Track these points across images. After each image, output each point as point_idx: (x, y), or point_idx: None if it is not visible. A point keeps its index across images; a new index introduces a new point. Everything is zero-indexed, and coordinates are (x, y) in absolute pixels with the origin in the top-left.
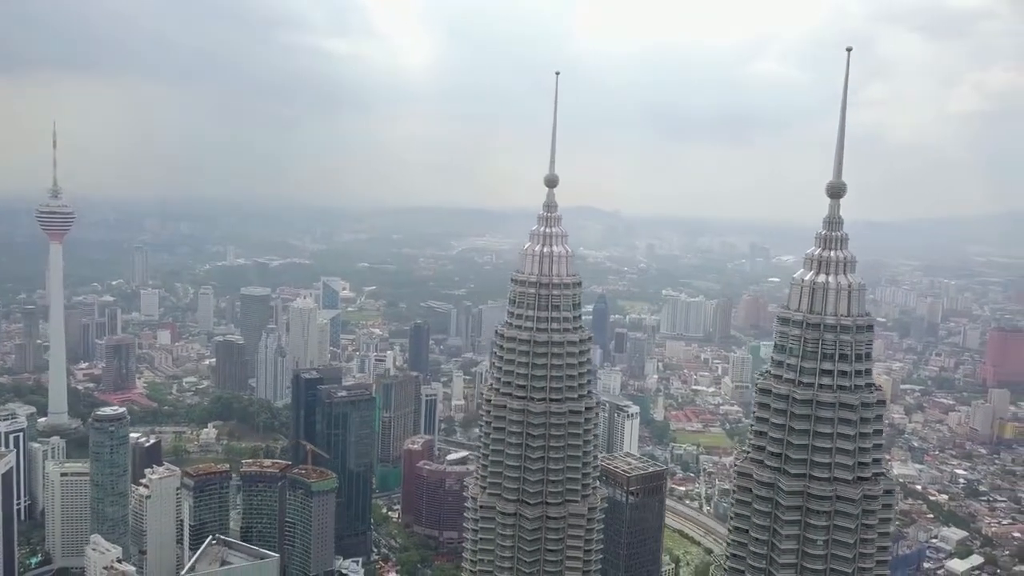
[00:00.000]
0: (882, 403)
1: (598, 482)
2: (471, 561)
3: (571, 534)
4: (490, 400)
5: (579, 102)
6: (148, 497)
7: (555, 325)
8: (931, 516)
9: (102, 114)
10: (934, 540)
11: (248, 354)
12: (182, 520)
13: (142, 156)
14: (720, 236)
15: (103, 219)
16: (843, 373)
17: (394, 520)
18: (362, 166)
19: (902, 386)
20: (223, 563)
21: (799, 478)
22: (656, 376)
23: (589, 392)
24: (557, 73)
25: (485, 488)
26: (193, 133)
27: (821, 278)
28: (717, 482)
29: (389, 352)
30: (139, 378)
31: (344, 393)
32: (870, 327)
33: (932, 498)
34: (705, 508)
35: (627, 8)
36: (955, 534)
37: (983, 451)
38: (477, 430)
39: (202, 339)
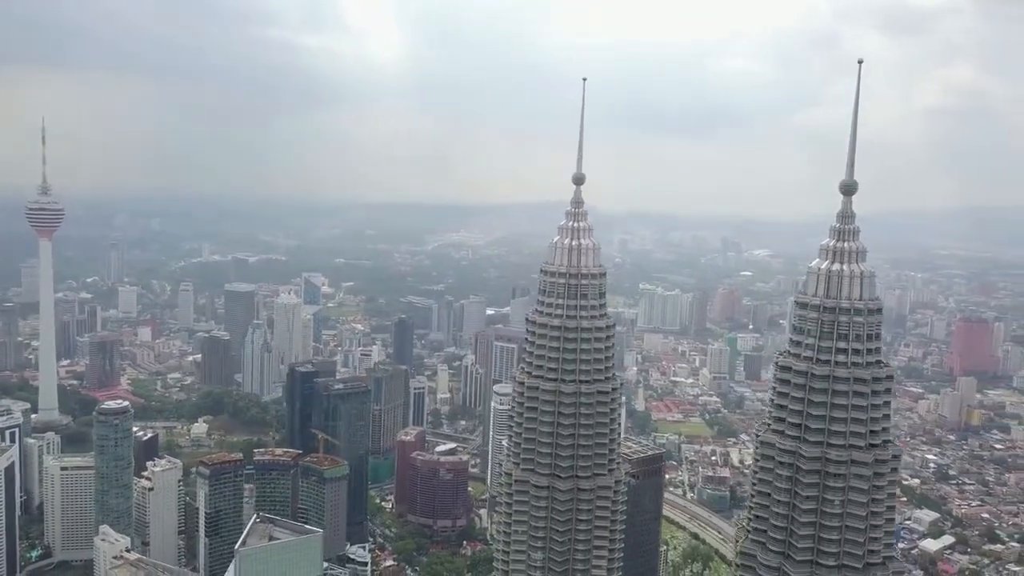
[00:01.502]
0: (891, 378)
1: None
2: (504, 533)
3: (599, 505)
4: (523, 383)
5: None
6: (151, 489)
7: (583, 312)
8: (904, 499)
9: (70, 109)
10: (908, 521)
11: (234, 350)
12: (197, 508)
13: (112, 152)
14: (691, 231)
15: (73, 216)
16: (856, 351)
17: (387, 510)
18: (335, 161)
19: None
20: (271, 538)
21: (817, 445)
22: (636, 368)
23: (614, 374)
24: (584, 79)
25: (519, 464)
26: (164, 128)
27: (836, 267)
28: (700, 470)
29: (374, 347)
30: (122, 375)
31: (341, 386)
32: (879, 310)
33: (905, 482)
34: (688, 495)
35: (599, 4)
36: (927, 515)
37: (952, 437)
38: (464, 422)
39: (183, 335)
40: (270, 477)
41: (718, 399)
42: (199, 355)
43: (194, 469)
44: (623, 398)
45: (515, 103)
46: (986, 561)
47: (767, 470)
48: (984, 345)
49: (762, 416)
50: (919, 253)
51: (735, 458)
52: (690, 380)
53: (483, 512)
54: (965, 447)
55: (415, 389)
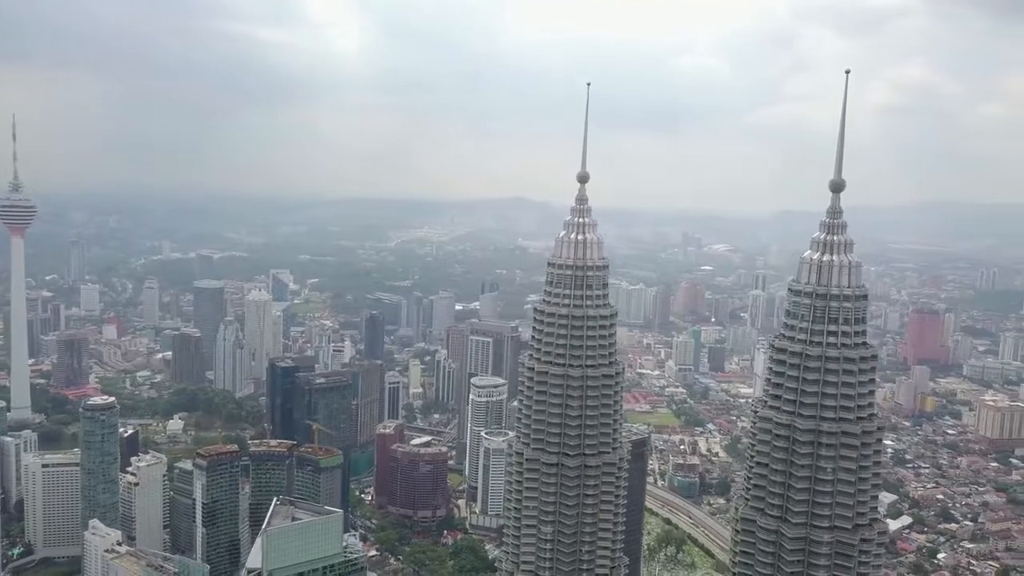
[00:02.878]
0: (875, 357)
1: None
2: (515, 510)
3: (604, 480)
4: (533, 368)
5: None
6: (136, 484)
7: (589, 302)
8: None
9: (21, 104)
10: None
11: (205, 347)
12: (195, 499)
13: (67, 147)
14: (652, 226)
15: None
16: (845, 333)
17: (367, 502)
18: (298, 157)
19: None
20: (293, 519)
21: (811, 419)
22: None
23: (616, 359)
24: (588, 84)
25: (528, 444)
26: (122, 123)
27: (826, 257)
28: (670, 458)
29: (346, 343)
30: (90, 373)
31: (323, 380)
32: (865, 296)
33: None
34: (660, 483)
35: (558, 1)
36: (886, 497)
37: (907, 423)
38: (437, 416)
39: (149, 333)
40: (266, 467)
41: (684, 390)
42: (168, 353)
43: (176, 465)
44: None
45: (476, 98)
46: (942, 539)
47: (764, 442)
48: (935, 336)
49: (728, 405)
50: (874, 247)
51: (702, 446)
52: (656, 372)
53: (461, 503)
54: (920, 433)
55: (390, 384)
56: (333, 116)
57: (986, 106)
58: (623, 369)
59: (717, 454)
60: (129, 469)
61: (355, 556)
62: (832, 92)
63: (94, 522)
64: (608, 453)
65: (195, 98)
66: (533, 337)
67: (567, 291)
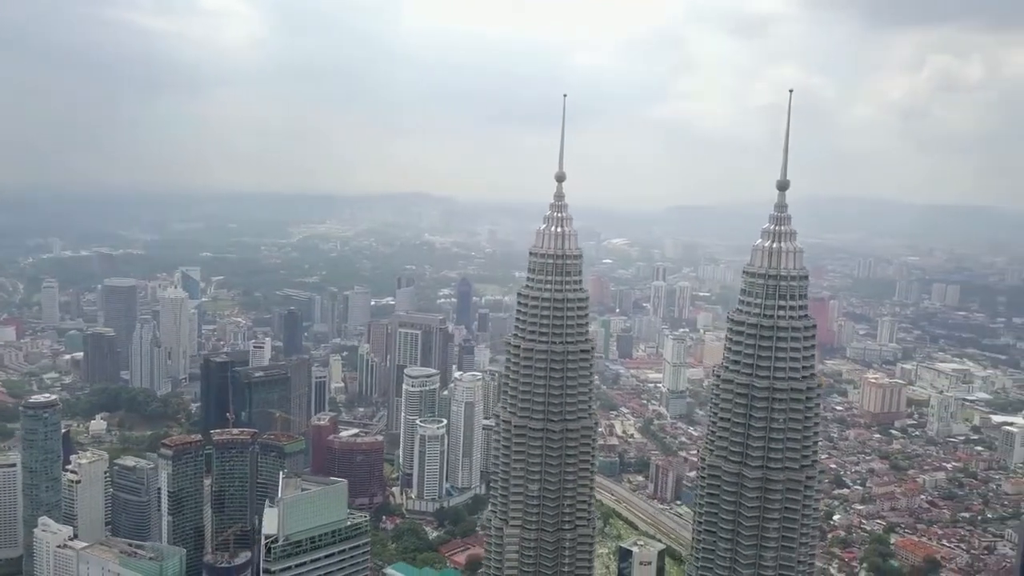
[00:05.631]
0: (815, 326)
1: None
2: (504, 472)
3: (583, 443)
4: (518, 345)
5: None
6: (78, 482)
7: (567, 286)
8: None
9: None
10: None
11: (119, 346)
12: (159, 488)
13: None
14: None
15: None
16: (792, 307)
17: None
18: (187, 150)
19: None
20: (302, 491)
21: (766, 379)
22: None
23: (588, 336)
24: (564, 95)
25: (515, 413)
26: None
27: (775, 245)
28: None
29: (267, 339)
30: None
31: (261, 374)
32: (806, 276)
33: None
34: None
35: None
36: None
37: None
38: (362, 409)
39: (51, 334)
40: (229, 455)
41: (597, 377)
42: (75, 353)
43: (116, 462)
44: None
45: (374, 90)
46: (836, 503)
47: (727, 400)
48: (822, 321)
49: (639, 390)
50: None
51: (619, 429)
52: None
53: (395, 490)
54: None
55: (316, 378)
56: (225, 108)
57: (856, 106)
58: (595, 345)
59: (632, 435)
60: (69, 467)
61: (359, 521)
62: (717, 92)
63: (44, 519)
64: (585, 418)
65: (75, 87)
66: (518, 318)
67: (548, 277)
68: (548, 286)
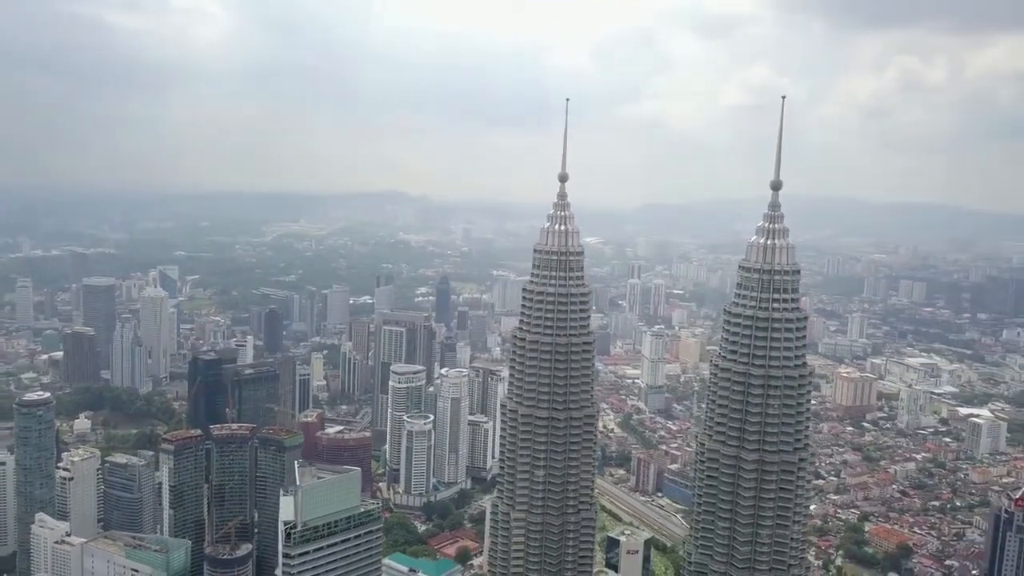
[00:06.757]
0: (806, 318)
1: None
2: (510, 459)
3: (585, 429)
4: (524, 338)
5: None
6: (71, 479)
7: (571, 282)
8: None
9: None
10: None
11: (99, 345)
12: (160, 482)
13: None
14: (525, 220)
15: None
16: (785, 300)
17: None
18: (159, 149)
19: (707, 347)
20: (318, 478)
21: (762, 368)
22: (499, 348)
23: (590, 329)
24: (567, 99)
25: (521, 403)
26: None
27: (770, 241)
28: None
29: (250, 338)
30: None
31: (251, 371)
32: (798, 271)
33: None
34: None
35: None
36: None
37: None
38: (344, 407)
39: (26, 334)
40: (229, 449)
41: None
42: (53, 353)
43: (107, 459)
44: (508, 372)
45: (347, 88)
46: (812, 493)
47: (725, 387)
48: None
49: (617, 386)
50: (730, 237)
51: (599, 424)
52: None
53: (382, 485)
54: None
55: (300, 376)
56: (195, 106)
57: (824, 106)
58: (595, 337)
59: (613, 430)
60: (61, 464)
61: (372, 507)
62: (689, 92)
63: (40, 516)
64: (588, 407)
65: (41, 86)
66: (523, 312)
67: (552, 273)
68: (552, 281)
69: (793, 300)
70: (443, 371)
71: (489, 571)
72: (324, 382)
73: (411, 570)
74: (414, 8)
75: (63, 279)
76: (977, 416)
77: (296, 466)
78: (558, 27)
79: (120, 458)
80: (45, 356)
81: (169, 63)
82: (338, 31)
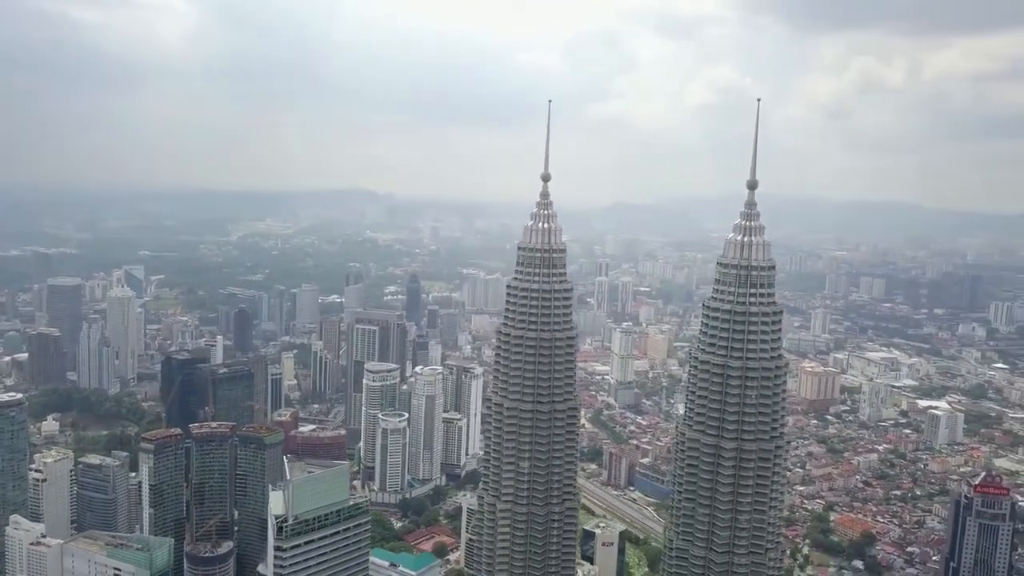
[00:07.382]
0: (782, 311)
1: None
2: (496, 451)
3: (568, 422)
4: (508, 334)
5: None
6: (44, 481)
7: (554, 278)
8: None
9: None
10: None
11: (65, 346)
12: (140, 481)
13: None
14: (495, 218)
15: None
16: (761, 295)
17: None
18: (122, 147)
19: (675, 343)
20: (308, 472)
21: (739, 360)
22: (469, 346)
23: (572, 325)
24: (550, 101)
25: (507, 396)
26: None
27: (746, 238)
28: None
29: (219, 337)
30: None
31: (225, 370)
32: (773, 267)
33: None
34: None
35: None
36: None
37: None
38: (316, 405)
39: None
40: (209, 448)
41: None
42: (16, 355)
43: (80, 460)
44: (482, 370)
45: (313, 86)
46: (786, 479)
47: (704, 379)
48: None
49: (587, 382)
50: (698, 235)
51: None
52: None
53: (357, 483)
54: None
55: (272, 375)
56: (159, 104)
57: (786, 106)
58: (577, 333)
59: (584, 425)
60: (33, 466)
61: (360, 501)
62: (655, 92)
63: (15, 517)
64: (571, 400)
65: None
66: (507, 308)
67: (536, 270)
68: (536, 278)
69: (769, 295)
70: (417, 369)
71: (466, 566)
72: (295, 381)
73: (392, 564)
74: (385, 7)
75: (24, 279)
76: (935, 408)
77: (285, 461)
78: (529, 26)
79: (94, 459)
80: (8, 358)
81: (135, 59)
82: (304, 30)
